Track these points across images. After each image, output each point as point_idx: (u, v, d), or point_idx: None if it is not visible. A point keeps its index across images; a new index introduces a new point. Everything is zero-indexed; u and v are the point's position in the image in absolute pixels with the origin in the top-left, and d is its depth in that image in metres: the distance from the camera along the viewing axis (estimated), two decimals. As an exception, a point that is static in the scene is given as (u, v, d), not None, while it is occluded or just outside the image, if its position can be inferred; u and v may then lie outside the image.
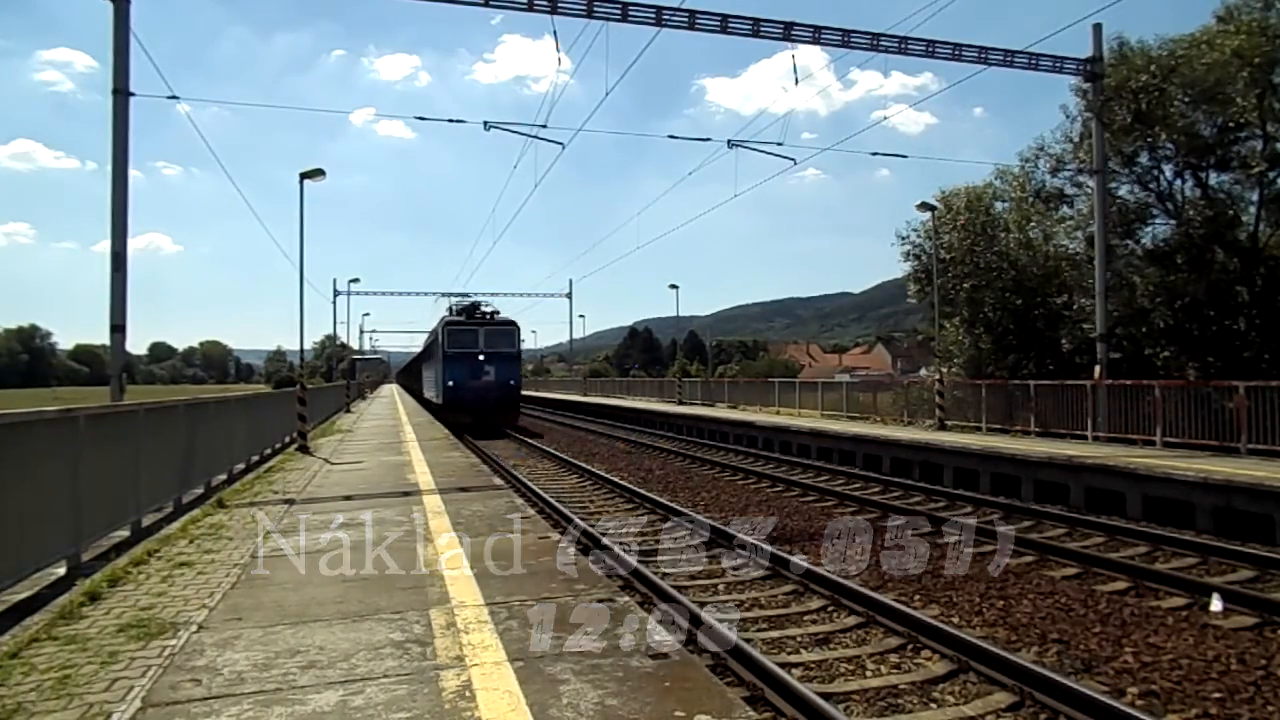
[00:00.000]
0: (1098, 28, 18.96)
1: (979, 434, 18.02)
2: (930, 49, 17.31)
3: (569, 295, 62.41)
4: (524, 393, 39.72)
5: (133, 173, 12.67)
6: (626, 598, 5.15)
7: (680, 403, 35.83)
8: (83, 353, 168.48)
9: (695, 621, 6.52)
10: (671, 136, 32.57)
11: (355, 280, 48.56)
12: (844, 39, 16.78)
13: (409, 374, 73.87)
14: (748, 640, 6.11)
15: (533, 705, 3.47)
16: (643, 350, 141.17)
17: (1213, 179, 22.14)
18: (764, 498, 14.06)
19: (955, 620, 6.96)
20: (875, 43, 16.89)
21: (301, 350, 20.91)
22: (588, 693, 3.60)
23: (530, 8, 15.04)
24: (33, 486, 5.95)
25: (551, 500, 13.11)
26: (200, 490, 10.86)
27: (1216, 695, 5.33)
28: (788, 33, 16.71)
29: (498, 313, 31.84)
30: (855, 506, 12.82)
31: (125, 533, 7.81)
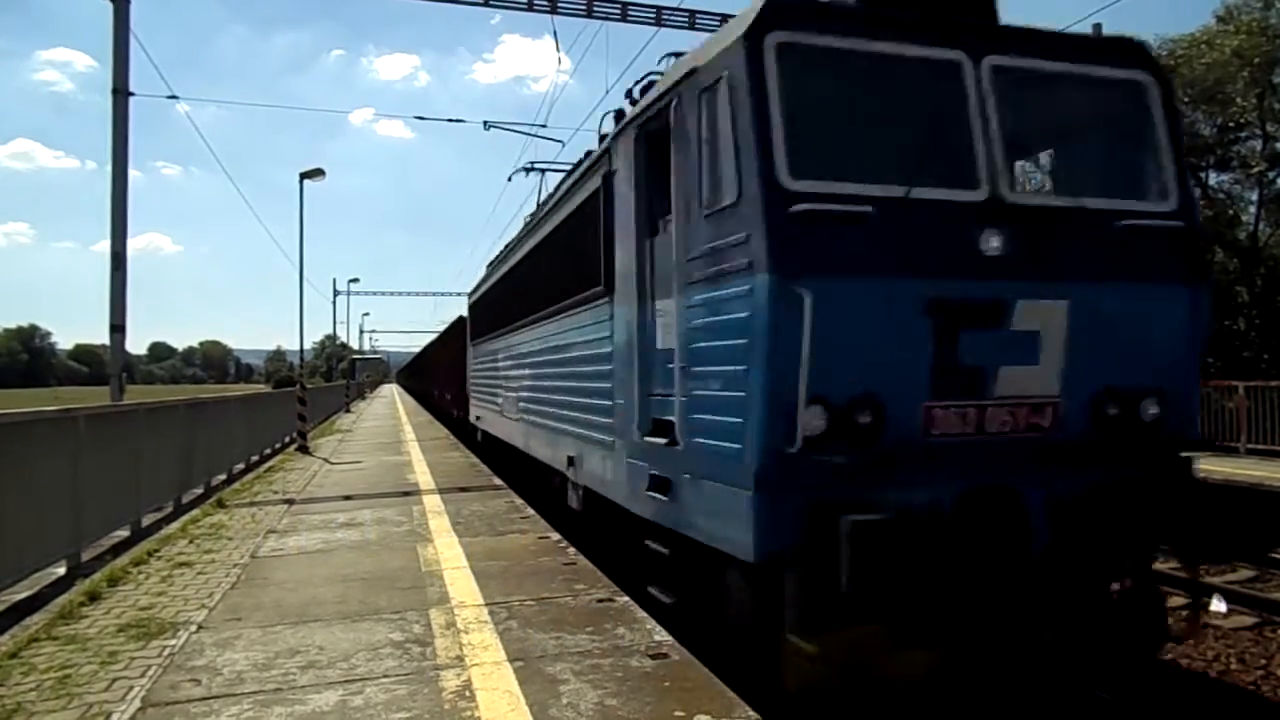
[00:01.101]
0: (1097, 28, 18.90)
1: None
2: (930, 49, 17.26)
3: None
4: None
5: (132, 172, 12.67)
6: (626, 597, 5.14)
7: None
8: (82, 353, 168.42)
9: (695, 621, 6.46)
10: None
11: (355, 280, 48.68)
12: (844, 39, 16.74)
13: (422, 371, 40.39)
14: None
15: (532, 705, 3.47)
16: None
17: (1213, 179, 22.14)
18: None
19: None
20: (875, 42, 16.85)
21: (301, 350, 20.91)
22: (587, 693, 3.60)
23: (530, 7, 15.03)
24: (33, 486, 5.95)
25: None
26: (200, 490, 10.86)
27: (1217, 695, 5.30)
28: (788, 32, 16.67)
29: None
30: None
31: (125, 532, 7.82)
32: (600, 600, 5.11)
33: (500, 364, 12.10)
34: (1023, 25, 4.40)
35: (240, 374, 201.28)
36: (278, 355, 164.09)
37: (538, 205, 10.78)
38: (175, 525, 8.42)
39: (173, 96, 13.46)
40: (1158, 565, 5.06)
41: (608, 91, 16.45)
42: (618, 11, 15.46)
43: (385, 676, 3.87)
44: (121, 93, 11.64)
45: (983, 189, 3.93)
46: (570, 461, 7.38)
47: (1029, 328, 3.88)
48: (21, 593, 5.66)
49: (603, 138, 6.52)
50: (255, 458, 15.12)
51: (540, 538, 7.19)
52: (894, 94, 4.14)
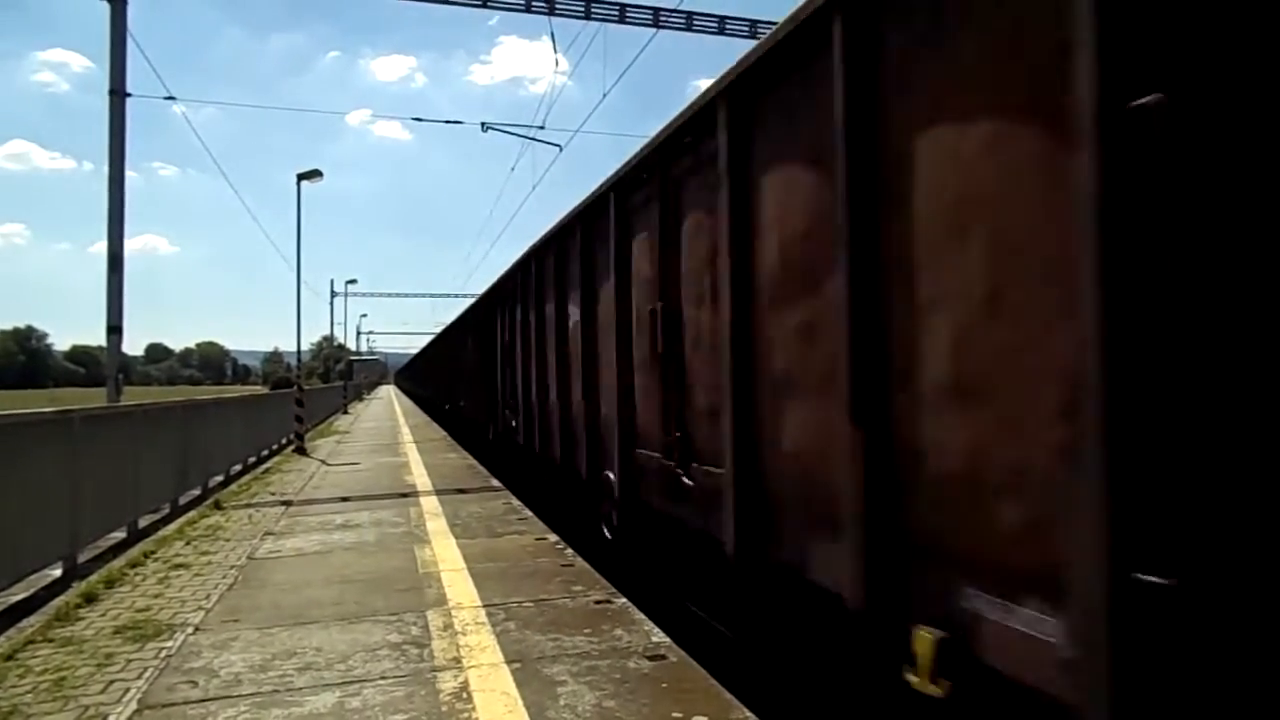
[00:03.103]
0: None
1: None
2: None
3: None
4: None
5: (129, 173, 12.65)
6: (624, 599, 5.14)
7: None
8: (79, 354, 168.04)
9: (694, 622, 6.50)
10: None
11: (353, 281, 48.62)
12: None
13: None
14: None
15: (530, 707, 3.47)
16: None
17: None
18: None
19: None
20: (873, 44, 16.89)
21: (299, 351, 20.86)
22: (585, 694, 3.60)
23: (528, 8, 15.04)
24: (29, 488, 5.95)
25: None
26: (197, 491, 10.85)
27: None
28: (785, 34, 16.72)
29: None
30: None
31: (122, 534, 7.80)
32: (598, 602, 5.10)
33: None
34: None
35: (237, 375, 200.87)
36: (275, 356, 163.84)
37: None
38: (172, 527, 8.40)
39: (170, 98, 13.44)
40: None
41: (605, 94, 16.40)
42: (615, 13, 15.48)
43: (383, 678, 3.86)
44: (119, 94, 11.64)
45: None
46: None
47: None
48: (18, 594, 5.65)
49: None
50: (253, 459, 15.10)
51: (538, 539, 7.19)
52: None
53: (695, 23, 15.96)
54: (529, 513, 8.56)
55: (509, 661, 4.04)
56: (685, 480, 4.23)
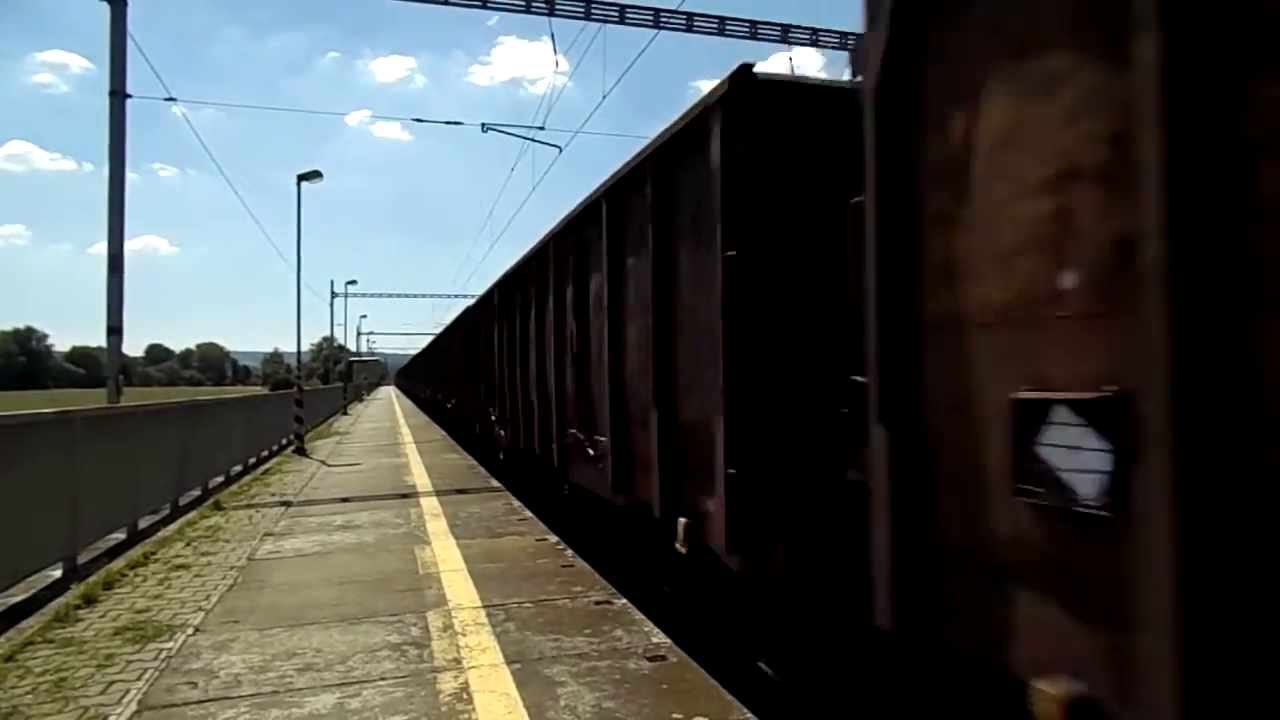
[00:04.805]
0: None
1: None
2: (927, 51, 17.29)
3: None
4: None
5: (129, 174, 12.65)
6: (624, 599, 5.14)
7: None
8: (79, 355, 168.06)
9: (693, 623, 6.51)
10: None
11: (352, 282, 48.58)
12: (841, 41, 16.81)
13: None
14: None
15: (530, 708, 3.47)
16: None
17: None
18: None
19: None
20: (872, 45, 16.89)
21: (299, 352, 20.87)
22: (585, 695, 3.60)
23: (528, 9, 15.05)
24: (29, 489, 5.95)
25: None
26: (197, 492, 10.85)
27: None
28: (785, 35, 16.74)
29: None
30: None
31: (122, 535, 7.80)
32: (598, 602, 5.10)
33: None
34: None
35: (237, 376, 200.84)
36: (275, 357, 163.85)
37: None
38: (172, 528, 8.40)
39: (170, 99, 13.45)
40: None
41: (605, 96, 16.35)
42: (615, 13, 15.48)
43: (382, 679, 3.86)
44: (119, 95, 11.64)
45: None
46: None
47: None
48: (17, 596, 5.65)
49: None
50: (253, 460, 15.10)
51: (538, 539, 7.19)
52: None
53: (695, 23, 15.97)
54: (529, 513, 8.56)
55: (509, 662, 4.04)
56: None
